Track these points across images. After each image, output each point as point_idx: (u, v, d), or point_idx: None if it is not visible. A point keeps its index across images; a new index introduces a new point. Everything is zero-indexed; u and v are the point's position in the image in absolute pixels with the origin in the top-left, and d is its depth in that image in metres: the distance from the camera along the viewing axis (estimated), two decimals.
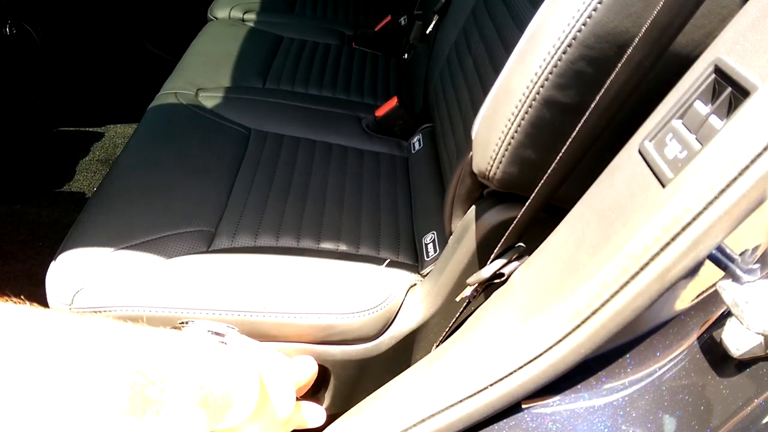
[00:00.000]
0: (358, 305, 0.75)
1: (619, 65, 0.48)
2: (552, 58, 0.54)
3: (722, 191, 0.36)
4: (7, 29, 1.44)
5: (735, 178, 0.35)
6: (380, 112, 1.17)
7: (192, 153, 0.98)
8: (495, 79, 0.62)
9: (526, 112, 0.58)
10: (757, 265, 0.39)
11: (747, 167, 0.36)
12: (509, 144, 0.59)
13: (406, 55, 1.55)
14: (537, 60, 0.55)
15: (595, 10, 0.52)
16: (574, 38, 0.53)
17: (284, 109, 1.18)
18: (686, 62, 0.49)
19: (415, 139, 1.14)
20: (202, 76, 1.23)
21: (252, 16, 1.53)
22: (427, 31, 1.11)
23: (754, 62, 0.42)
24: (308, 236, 0.88)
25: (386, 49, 1.54)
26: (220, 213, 0.88)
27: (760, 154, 0.36)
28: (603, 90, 0.52)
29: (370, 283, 0.78)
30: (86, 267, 0.76)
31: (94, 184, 1.50)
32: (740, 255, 0.39)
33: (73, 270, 0.76)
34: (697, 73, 0.46)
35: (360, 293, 0.77)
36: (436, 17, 1.10)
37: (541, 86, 0.56)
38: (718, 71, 0.44)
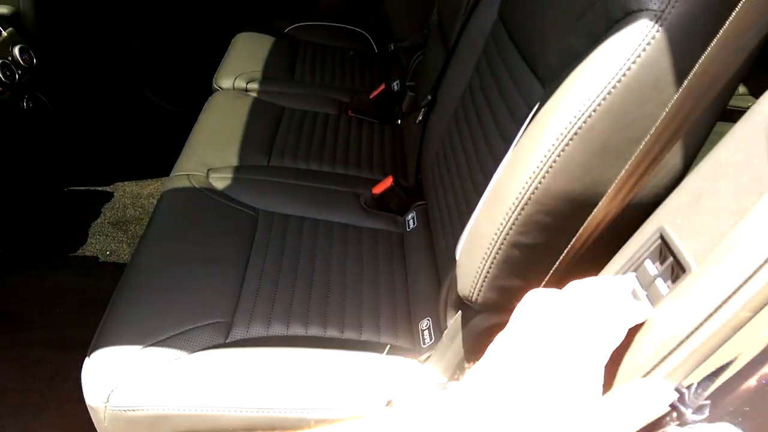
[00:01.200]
0: (362, 398, 0.85)
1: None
2: (513, 213, 0.64)
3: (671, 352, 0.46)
4: (24, 103, 1.53)
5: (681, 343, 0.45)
6: (377, 190, 1.26)
7: (207, 242, 1.08)
8: (485, 175, 0.71)
9: (497, 252, 0.67)
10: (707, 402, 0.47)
11: (685, 339, 0.46)
12: (485, 277, 0.69)
13: (399, 121, 1.65)
14: (501, 213, 0.65)
15: (544, 177, 0.61)
16: (529, 198, 0.63)
17: (288, 188, 1.27)
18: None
19: (409, 216, 1.24)
20: (211, 155, 1.32)
21: (255, 86, 1.63)
22: (417, 120, 1.21)
23: (690, 242, 0.52)
24: (315, 323, 0.97)
25: (381, 116, 1.65)
26: (235, 302, 0.97)
27: (692, 332, 0.46)
28: (559, 233, 0.62)
29: (373, 375, 0.88)
30: (118, 365, 0.85)
31: (106, 247, 1.59)
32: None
33: (106, 368, 0.85)
34: (647, 235, 0.56)
35: (364, 386, 0.86)
36: (423, 110, 1.20)
37: (507, 233, 0.66)
38: (663, 239, 0.54)
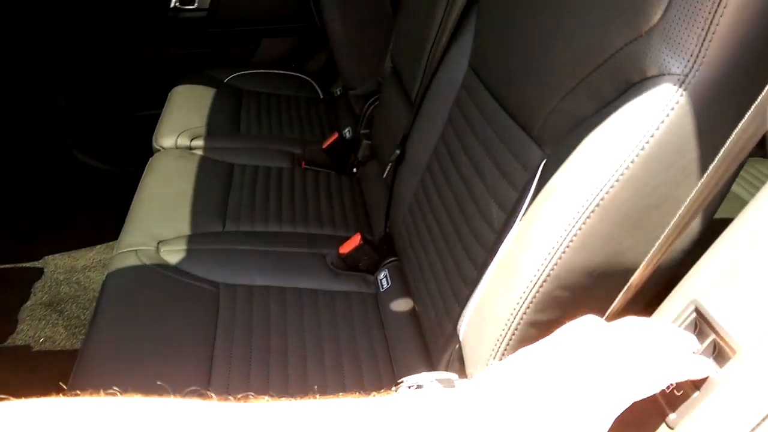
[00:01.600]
0: None
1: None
2: (530, 291, 0.59)
3: None
4: None
5: None
6: (344, 250, 1.19)
7: (165, 328, 0.96)
8: (481, 243, 0.66)
9: (514, 333, 0.62)
10: None
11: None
12: (500, 358, 0.63)
13: (354, 170, 1.59)
14: (517, 291, 0.60)
15: (564, 252, 0.57)
16: (548, 275, 0.58)
17: (248, 256, 1.17)
18: None
19: (382, 276, 1.16)
20: (160, 226, 1.21)
21: (199, 142, 1.53)
22: (384, 174, 1.16)
23: (732, 318, 0.47)
24: (298, 398, 0.88)
25: (336, 166, 1.58)
26: (203, 396, 0.86)
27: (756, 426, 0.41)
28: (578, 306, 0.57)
29: None
30: None
31: (40, 333, 1.42)
32: None
33: None
34: (679, 307, 0.51)
35: None
36: (390, 165, 1.14)
37: (524, 313, 0.60)
38: (699, 313, 0.49)
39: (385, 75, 1.40)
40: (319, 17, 1.64)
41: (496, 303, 0.63)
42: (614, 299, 0.62)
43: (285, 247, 1.21)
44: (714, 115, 0.51)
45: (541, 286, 0.58)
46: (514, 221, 0.65)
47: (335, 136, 1.58)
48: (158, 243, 1.16)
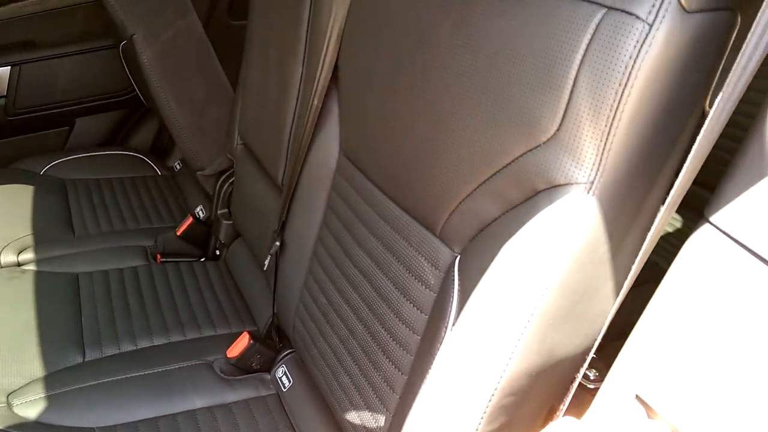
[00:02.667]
0: None
1: None
2: (483, 407, 0.59)
3: None
4: None
5: None
6: (233, 353, 1.10)
7: None
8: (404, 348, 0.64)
9: None
10: None
11: None
12: None
13: (217, 252, 1.49)
14: (469, 407, 0.60)
15: (507, 364, 0.57)
16: (496, 388, 0.58)
17: (123, 386, 1.03)
18: None
19: (281, 373, 1.09)
20: (4, 374, 1.01)
21: (29, 255, 1.32)
22: (265, 267, 1.09)
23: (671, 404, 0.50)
24: None
25: (197, 253, 1.47)
26: None
27: None
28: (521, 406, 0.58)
29: None
30: None
31: None
32: None
33: None
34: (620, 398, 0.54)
35: None
36: (270, 257, 1.08)
37: (477, 427, 0.60)
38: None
39: (236, 153, 1.33)
40: (146, 99, 1.51)
41: (445, 418, 0.61)
42: (551, 392, 0.63)
43: (163, 364, 1.09)
44: (619, 209, 0.54)
45: (490, 401, 0.58)
46: (443, 327, 0.64)
47: (189, 220, 1.46)
48: (7, 396, 0.97)
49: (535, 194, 0.57)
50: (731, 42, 0.51)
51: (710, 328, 0.49)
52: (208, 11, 1.73)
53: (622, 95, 0.49)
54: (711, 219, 0.53)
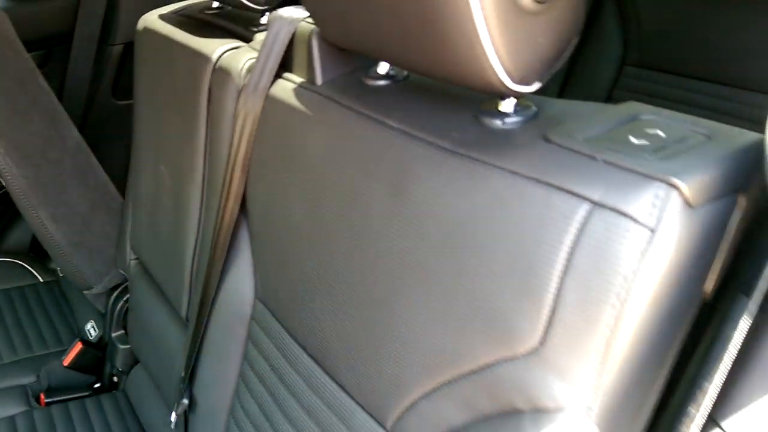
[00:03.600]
0: None
1: None
2: None
3: None
4: None
5: None
6: None
7: None
8: None
9: None
10: None
11: None
12: None
13: (115, 378, 1.28)
14: None
15: None
16: None
17: None
18: None
19: None
20: None
21: None
22: (173, 424, 0.91)
23: None
24: None
25: (90, 386, 1.25)
26: None
27: None
28: None
29: None
30: None
31: None
32: None
33: None
34: None
35: None
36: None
37: None
38: None
39: (130, 269, 1.14)
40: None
41: None
42: None
43: None
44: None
45: None
46: None
47: (78, 346, 1.25)
48: None
49: (514, 412, 0.45)
50: (734, 224, 0.42)
51: None
52: (89, 94, 1.54)
53: (622, 312, 0.39)
54: (722, 424, 0.44)
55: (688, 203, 0.38)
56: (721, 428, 0.45)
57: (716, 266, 0.43)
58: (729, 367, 0.42)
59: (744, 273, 0.44)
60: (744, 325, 0.41)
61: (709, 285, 0.44)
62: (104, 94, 1.53)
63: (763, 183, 0.40)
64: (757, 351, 0.43)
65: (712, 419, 0.45)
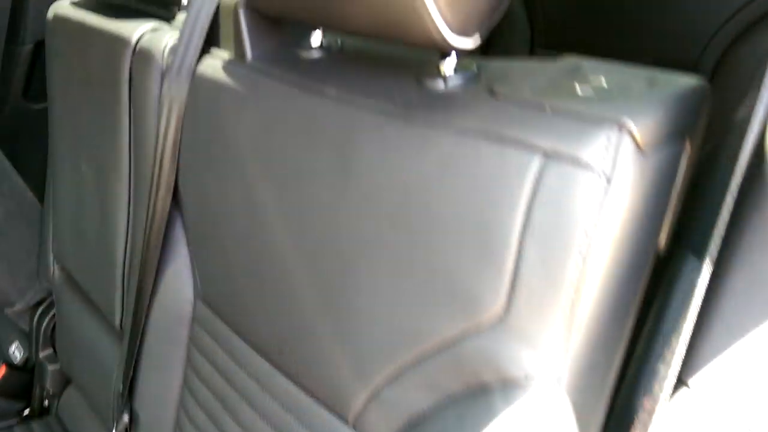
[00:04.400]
0: None
1: None
2: None
3: None
4: None
5: None
6: None
7: None
8: None
9: None
10: None
11: None
12: None
13: (46, 402, 1.18)
14: None
15: None
16: None
17: None
18: None
19: None
20: None
21: None
22: None
23: None
24: None
25: (16, 412, 1.15)
26: None
27: None
28: None
29: None
30: None
31: None
32: None
33: None
34: None
35: None
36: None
37: None
38: None
39: (54, 280, 1.06)
40: None
41: None
42: None
43: None
44: (587, 396, 0.42)
45: None
46: None
47: (2, 369, 1.15)
48: None
49: (482, 387, 0.43)
50: (682, 171, 0.41)
51: None
52: None
53: (584, 268, 0.37)
54: (688, 382, 0.43)
55: (639, 147, 0.37)
56: (687, 385, 0.44)
57: (668, 218, 0.42)
58: (693, 324, 0.41)
59: (694, 227, 0.43)
60: (702, 282, 0.40)
61: (662, 238, 0.43)
62: (15, 98, 1.42)
63: (706, 127, 0.39)
64: (717, 307, 0.42)
65: (678, 377, 0.44)
